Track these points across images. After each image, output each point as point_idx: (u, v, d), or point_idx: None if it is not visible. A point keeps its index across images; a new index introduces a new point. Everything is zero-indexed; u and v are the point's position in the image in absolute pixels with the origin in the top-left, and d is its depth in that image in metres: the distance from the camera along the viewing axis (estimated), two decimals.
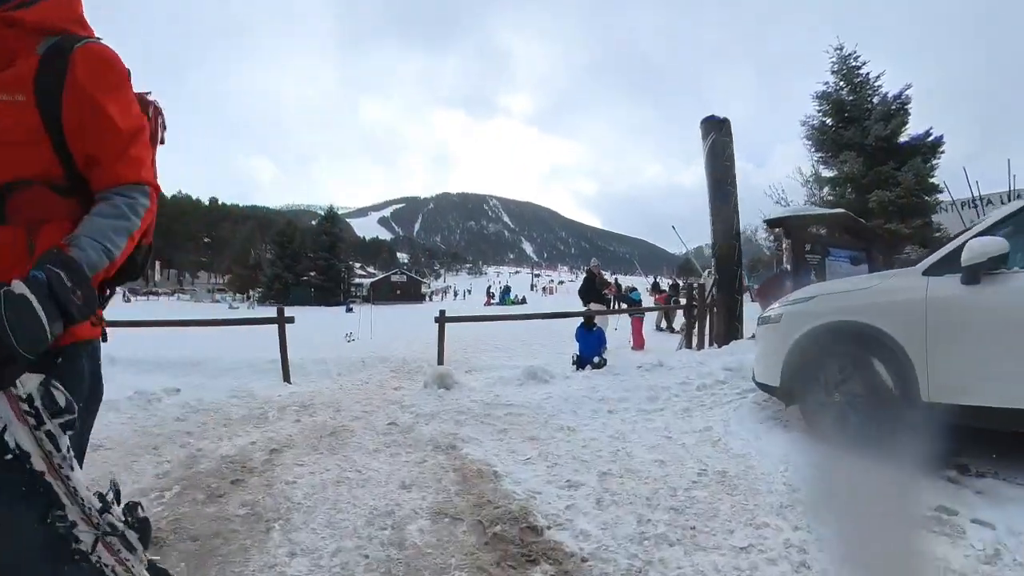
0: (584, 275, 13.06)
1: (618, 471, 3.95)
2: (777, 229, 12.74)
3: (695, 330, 10.94)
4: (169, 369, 9.04)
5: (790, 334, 4.65)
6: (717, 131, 11.17)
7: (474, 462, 4.14)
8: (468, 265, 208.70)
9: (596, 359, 9.08)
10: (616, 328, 12.83)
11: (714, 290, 11.03)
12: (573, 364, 9.11)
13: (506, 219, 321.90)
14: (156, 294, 75.84)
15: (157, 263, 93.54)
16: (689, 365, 7.50)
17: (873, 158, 18.40)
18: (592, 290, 12.40)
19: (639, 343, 12.64)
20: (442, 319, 9.44)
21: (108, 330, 1.66)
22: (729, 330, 10.56)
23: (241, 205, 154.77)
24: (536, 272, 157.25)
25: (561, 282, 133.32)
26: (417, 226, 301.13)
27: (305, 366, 9.05)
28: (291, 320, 8.70)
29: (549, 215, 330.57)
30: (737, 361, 7.08)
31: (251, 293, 65.39)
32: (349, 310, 40.11)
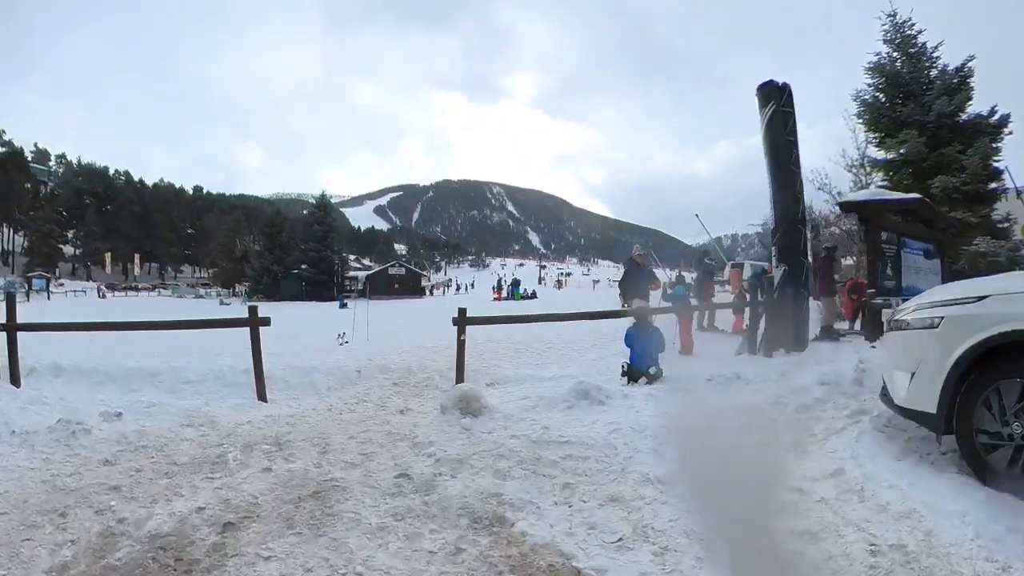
0: (625, 265, 11.58)
1: (759, 557, 2.70)
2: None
3: (760, 331, 9.81)
4: (122, 381, 7.85)
5: (954, 345, 3.61)
6: (777, 100, 10.11)
7: (538, 550, 2.93)
8: (471, 257, 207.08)
9: (652, 369, 7.75)
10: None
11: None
12: (623, 375, 7.82)
13: (511, 208, 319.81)
14: (135, 289, 74.78)
15: (137, 256, 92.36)
16: (770, 377, 6.60)
17: (935, 138, 17.42)
18: (638, 282, 10.87)
19: (687, 345, 11.37)
20: (462, 320, 7.91)
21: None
22: (798, 331, 9.53)
23: (228, 194, 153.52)
24: (542, 264, 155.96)
25: (568, 274, 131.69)
26: (416, 215, 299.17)
27: (287, 377, 7.84)
28: (266, 322, 7.41)
29: (557, 203, 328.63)
30: (833, 372, 6.06)
31: (237, 288, 64.20)
32: (343, 305, 38.93)
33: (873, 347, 8.19)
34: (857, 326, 12.71)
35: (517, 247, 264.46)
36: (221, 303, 49.18)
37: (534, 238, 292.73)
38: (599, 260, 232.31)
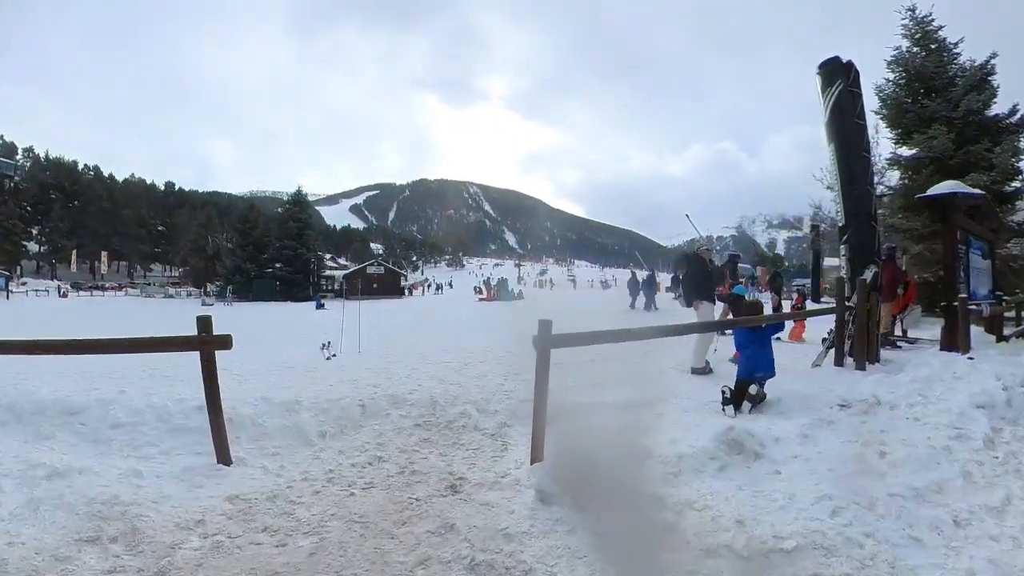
0: (690, 259, 9.54)
1: None
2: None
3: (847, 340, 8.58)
4: (29, 422, 5.52)
5: None
6: (844, 78, 9.20)
7: None
8: (447, 256, 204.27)
9: (754, 388, 6.21)
10: (716, 349, 9.46)
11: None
12: (726, 403, 6.17)
13: (487, 208, 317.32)
14: (102, 288, 71.33)
15: (104, 254, 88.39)
16: (913, 400, 5.70)
17: (962, 135, 16.85)
18: (706, 282, 9.06)
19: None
20: (547, 338, 5.00)
21: None
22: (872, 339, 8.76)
23: (201, 191, 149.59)
24: (518, 263, 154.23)
25: (543, 271, 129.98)
26: (392, 214, 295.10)
27: (261, 419, 5.54)
28: (224, 343, 4.92)
29: (533, 204, 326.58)
30: (983, 394, 5.47)
31: (209, 287, 61.00)
32: (320, 306, 36.66)
33: (971, 358, 7.60)
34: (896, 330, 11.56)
35: (494, 247, 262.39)
36: (203, 303, 45.28)
37: (510, 238, 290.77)
38: (575, 260, 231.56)
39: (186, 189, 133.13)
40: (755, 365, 6.34)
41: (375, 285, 57.34)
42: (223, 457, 4.58)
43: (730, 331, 12.10)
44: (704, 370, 8.40)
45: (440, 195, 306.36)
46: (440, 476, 4.48)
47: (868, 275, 8.94)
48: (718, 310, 11.05)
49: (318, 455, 4.97)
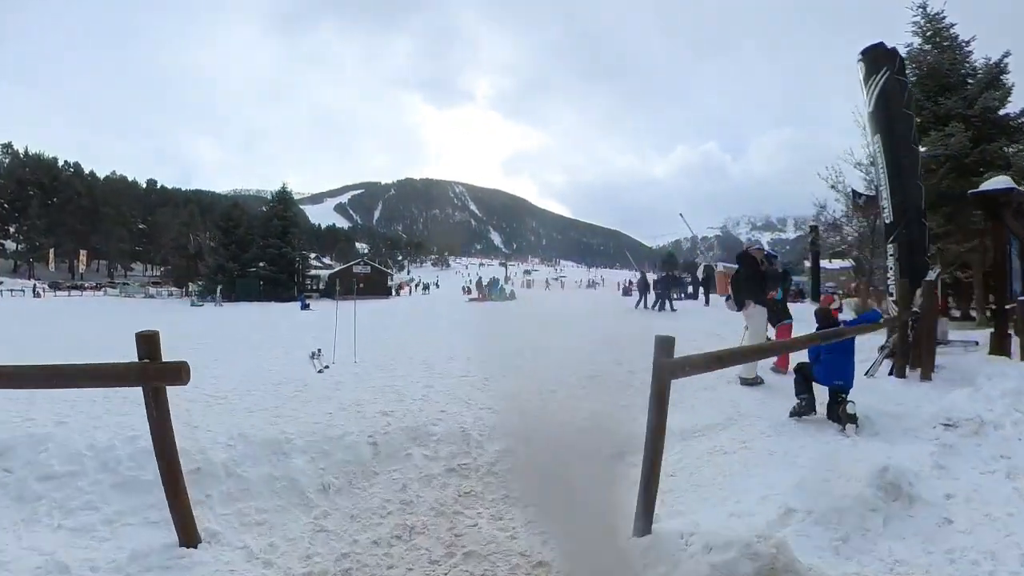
0: (740, 258, 8.58)
1: None
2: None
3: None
4: None
5: None
6: (890, 65, 8.76)
7: None
8: (433, 256, 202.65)
9: (851, 406, 5.50)
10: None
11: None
12: (795, 414, 5.87)
13: (473, 207, 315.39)
14: (81, 288, 69.17)
15: (83, 253, 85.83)
16: (1015, 417, 4.96)
17: (979, 133, 16.47)
18: (757, 284, 8.16)
19: (784, 362, 8.43)
20: (670, 366, 3.53)
21: None
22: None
23: (184, 189, 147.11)
24: (502, 262, 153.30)
25: (528, 271, 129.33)
26: (377, 214, 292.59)
27: (239, 468, 4.22)
28: (176, 376, 3.35)
29: (518, 204, 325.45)
30: None
31: (191, 287, 59.02)
32: (305, 306, 35.18)
33: None
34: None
35: (479, 247, 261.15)
36: (192, 304, 43.18)
37: (496, 238, 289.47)
38: (561, 260, 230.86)
39: (169, 187, 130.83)
40: (836, 373, 5.74)
41: (361, 285, 55.60)
42: (188, 535, 3.20)
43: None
44: (755, 380, 7.55)
45: (426, 194, 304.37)
46: (511, 562, 3.13)
47: (932, 275, 8.66)
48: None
49: (321, 524, 3.65)
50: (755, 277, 8.11)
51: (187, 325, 20.08)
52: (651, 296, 22.65)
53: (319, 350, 9.95)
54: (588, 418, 5.77)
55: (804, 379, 5.93)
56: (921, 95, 17.41)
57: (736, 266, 9.17)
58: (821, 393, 5.82)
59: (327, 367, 8.89)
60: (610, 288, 60.70)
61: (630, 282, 42.86)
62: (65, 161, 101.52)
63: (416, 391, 6.86)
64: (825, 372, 5.80)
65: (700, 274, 31.25)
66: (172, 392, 3.39)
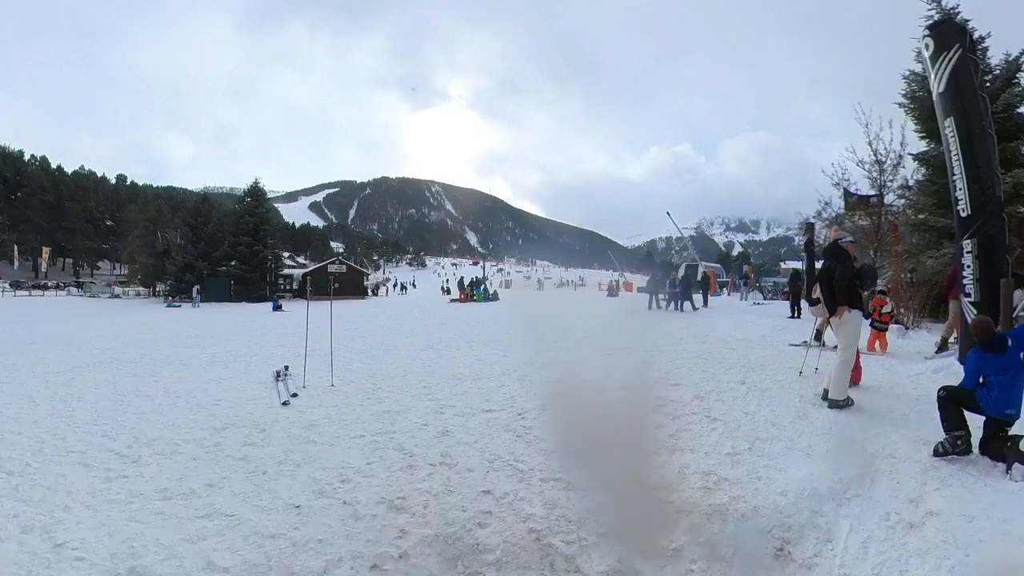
0: (833, 253, 7.08)
1: None
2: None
3: None
4: None
5: None
6: (962, 42, 8.09)
7: None
8: (409, 255, 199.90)
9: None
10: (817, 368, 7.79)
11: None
12: (940, 453, 4.76)
13: (449, 207, 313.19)
14: (43, 287, 65.98)
15: (46, 250, 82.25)
16: None
17: (1000, 130, 14.93)
18: (853, 284, 6.85)
19: (858, 375, 7.48)
20: None
21: None
22: None
23: (155, 185, 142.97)
24: (475, 262, 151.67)
25: (501, 269, 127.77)
26: (352, 213, 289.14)
27: None
28: None
29: (494, 203, 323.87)
30: None
31: (159, 286, 56.18)
32: (277, 307, 33.20)
33: None
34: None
35: (455, 246, 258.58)
36: (168, 306, 40.21)
37: (472, 237, 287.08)
38: (536, 260, 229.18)
39: (139, 183, 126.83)
40: (1009, 400, 4.69)
41: (337, 285, 53.26)
42: None
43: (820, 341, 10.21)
44: (847, 403, 6.56)
45: (402, 193, 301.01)
46: None
47: None
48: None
49: None
50: (850, 275, 6.72)
51: (145, 329, 18.18)
52: (662, 297, 22.12)
53: (286, 368, 8.14)
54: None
55: (956, 408, 4.74)
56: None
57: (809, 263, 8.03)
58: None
59: (295, 395, 7.08)
60: (591, 288, 59.21)
61: (616, 283, 41.55)
62: (32, 155, 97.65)
63: (428, 444, 5.13)
64: (996, 399, 4.70)
65: (680, 274, 30.59)
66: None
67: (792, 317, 19.62)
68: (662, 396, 7.05)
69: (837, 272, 6.78)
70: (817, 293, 7.44)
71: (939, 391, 5.07)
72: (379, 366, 9.37)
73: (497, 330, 15.48)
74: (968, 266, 8.17)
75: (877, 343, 10.68)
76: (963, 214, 8.16)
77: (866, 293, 8.04)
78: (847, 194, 22.99)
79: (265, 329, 17.71)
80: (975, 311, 7.80)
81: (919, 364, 8.98)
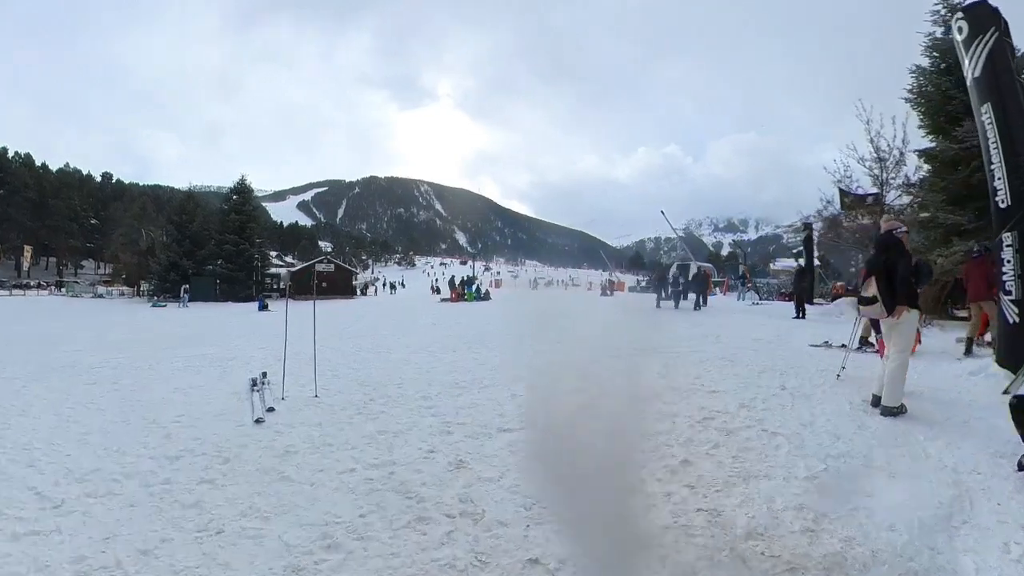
0: (888, 246, 6.23)
1: None
2: None
3: None
4: None
5: None
6: (997, 26, 7.62)
7: None
8: (398, 255, 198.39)
9: None
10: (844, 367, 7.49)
11: None
12: None
13: (438, 207, 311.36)
14: (24, 287, 64.23)
15: (28, 249, 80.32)
16: None
17: None
18: (909, 281, 6.10)
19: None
20: None
21: None
22: None
23: (142, 184, 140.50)
24: (463, 261, 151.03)
25: (487, 268, 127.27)
26: (341, 212, 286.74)
27: None
28: None
29: (484, 203, 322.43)
30: None
31: (143, 286, 54.69)
32: (263, 307, 32.02)
33: None
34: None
35: (444, 246, 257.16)
36: (153, 306, 38.74)
37: (461, 237, 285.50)
38: (525, 260, 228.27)
39: (126, 181, 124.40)
40: None
41: (324, 284, 52.19)
42: None
43: (867, 345, 9.88)
44: (901, 409, 5.94)
45: (391, 193, 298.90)
46: None
47: None
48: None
49: None
50: (907, 270, 5.93)
51: (126, 330, 17.12)
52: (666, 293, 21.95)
53: (264, 375, 7.08)
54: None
55: None
56: (949, 83, 16.62)
57: (808, 262, 7.18)
58: None
59: (271, 410, 6.01)
60: (583, 287, 58.22)
61: (609, 282, 40.90)
62: (16, 152, 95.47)
63: (441, 482, 4.00)
64: None
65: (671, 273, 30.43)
66: None
67: (797, 318, 18.87)
68: (704, 406, 6.10)
69: (900, 267, 5.95)
70: (871, 290, 6.46)
71: (1011, 400, 4.44)
72: (370, 371, 8.34)
73: (494, 330, 14.49)
74: (1008, 261, 7.51)
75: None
76: (1002, 205, 7.54)
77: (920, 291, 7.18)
78: (843, 193, 22.70)
79: (248, 330, 16.65)
80: (1016, 310, 7.25)
81: (951, 365, 8.43)
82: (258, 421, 5.56)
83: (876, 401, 6.10)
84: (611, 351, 8.81)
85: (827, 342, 11.67)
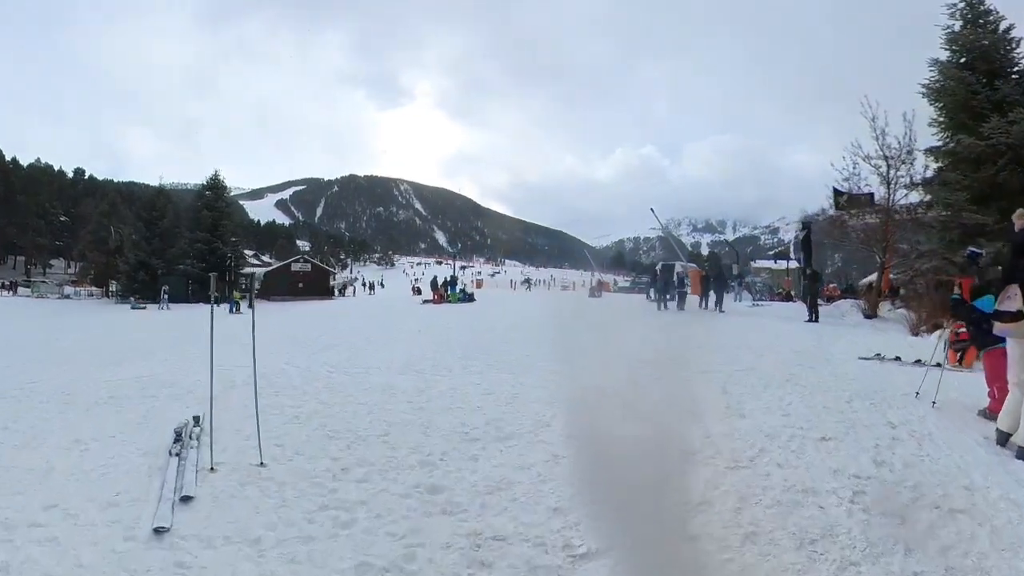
0: (1016, 247, 5.23)
1: None
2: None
3: None
4: None
5: None
6: None
7: None
8: (377, 255, 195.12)
9: None
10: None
11: None
12: None
13: (418, 206, 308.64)
14: None
15: None
16: None
17: None
18: None
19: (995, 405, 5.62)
20: None
21: None
22: None
23: (116, 181, 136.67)
24: (439, 261, 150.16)
25: (464, 268, 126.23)
26: (319, 211, 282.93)
27: None
28: None
29: (464, 202, 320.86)
30: None
31: (112, 287, 52.12)
32: (234, 309, 29.60)
33: None
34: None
35: (424, 245, 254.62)
36: (132, 307, 36.65)
37: (441, 237, 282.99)
38: (506, 260, 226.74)
39: (99, 178, 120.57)
40: None
41: (300, 284, 50.13)
42: None
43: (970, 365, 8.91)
44: None
45: (370, 192, 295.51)
46: None
47: None
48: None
49: None
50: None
51: (83, 334, 15.29)
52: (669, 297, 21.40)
53: (196, 422, 5.07)
54: None
55: None
56: (973, 79, 16.45)
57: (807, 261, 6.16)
58: None
59: (186, 498, 3.88)
60: (569, 288, 56.98)
61: (598, 282, 40.03)
62: None
63: None
64: None
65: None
66: None
67: (810, 320, 17.86)
68: (832, 467, 4.37)
69: (1006, 267, 5.13)
70: (1015, 303, 4.83)
71: None
72: (344, 409, 6.31)
73: (490, 340, 12.63)
74: None
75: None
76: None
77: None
78: (836, 193, 22.37)
79: (208, 341, 14.62)
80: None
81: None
82: (158, 531, 3.41)
83: (1003, 438, 4.81)
84: (649, 370, 6.79)
85: (879, 355, 10.38)
